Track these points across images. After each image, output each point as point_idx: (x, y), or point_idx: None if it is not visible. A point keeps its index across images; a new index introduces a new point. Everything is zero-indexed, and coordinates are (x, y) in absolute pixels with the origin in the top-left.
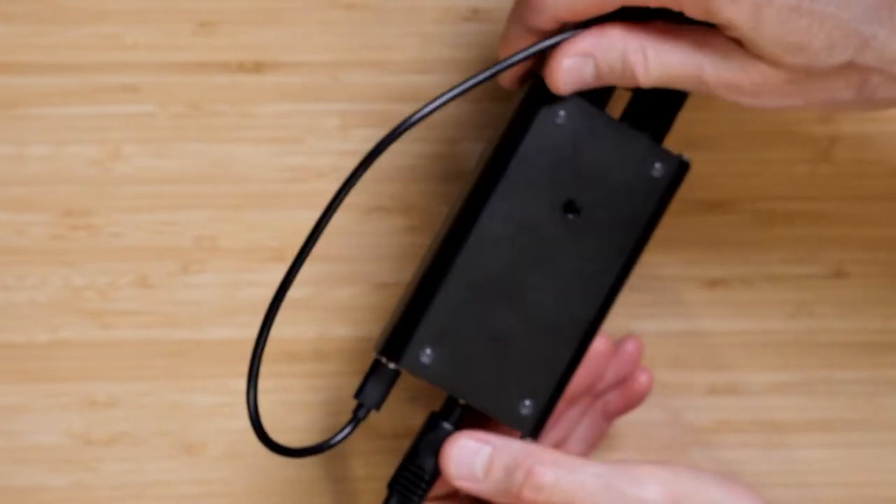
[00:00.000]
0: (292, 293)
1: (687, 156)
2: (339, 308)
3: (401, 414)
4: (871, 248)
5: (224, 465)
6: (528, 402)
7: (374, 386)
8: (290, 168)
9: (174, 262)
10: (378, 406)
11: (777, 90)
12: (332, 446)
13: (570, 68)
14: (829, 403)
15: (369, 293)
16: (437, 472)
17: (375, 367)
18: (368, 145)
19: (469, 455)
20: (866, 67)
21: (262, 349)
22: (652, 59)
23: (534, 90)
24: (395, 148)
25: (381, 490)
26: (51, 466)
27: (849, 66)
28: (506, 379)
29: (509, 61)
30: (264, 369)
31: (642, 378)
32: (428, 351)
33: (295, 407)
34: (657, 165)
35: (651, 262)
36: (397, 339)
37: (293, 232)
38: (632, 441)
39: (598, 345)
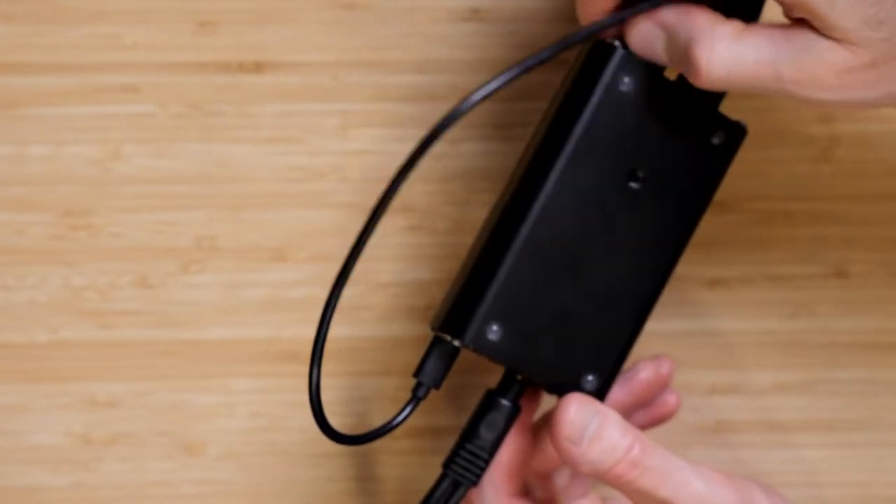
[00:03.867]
0: (292, 293)
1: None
2: (340, 308)
3: None
4: (871, 248)
5: (224, 465)
6: (590, 377)
7: (434, 364)
8: (290, 168)
9: (174, 262)
10: (438, 385)
11: (861, 79)
12: (392, 428)
13: (643, 31)
14: (830, 403)
15: (369, 293)
16: (495, 451)
17: (435, 345)
18: (369, 145)
19: (587, 417)
20: None
21: (325, 334)
22: (719, 56)
23: (593, 54)
24: (395, 148)
25: (382, 490)
26: (51, 466)
27: None
28: (569, 353)
29: (600, 25)
30: (264, 369)
31: (671, 400)
32: (494, 327)
33: (295, 407)
34: (719, 132)
35: None
36: (461, 314)
37: (293, 232)
38: None
39: (647, 375)
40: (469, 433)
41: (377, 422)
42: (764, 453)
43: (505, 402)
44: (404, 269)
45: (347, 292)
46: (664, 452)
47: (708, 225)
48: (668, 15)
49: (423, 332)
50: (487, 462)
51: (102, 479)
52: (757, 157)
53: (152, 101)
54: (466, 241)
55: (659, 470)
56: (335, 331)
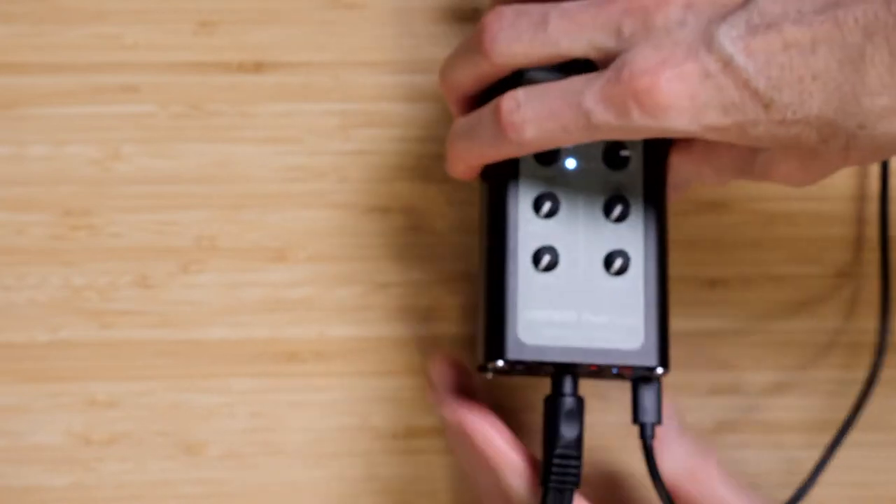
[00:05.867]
0: (292, 293)
1: None
2: (339, 308)
3: (401, 414)
4: (872, 248)
5: (224, 465)
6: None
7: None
8: (290, 168)
9: (174, 262)
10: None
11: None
12: None
13: None
14: (830, 403)
15: (369, 293)
16: (582, 447)
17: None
18: (368, 145)
19: None
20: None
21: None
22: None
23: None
24: (395, 148)
25: (382, 490)
26: (51, 466)
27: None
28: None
29: None
30: (264, 369)
31: None
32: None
33: (295, 407)
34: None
35: None
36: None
37: (293, 232)
38: (631, 441)
39: None
40: (553, 441)
41: (378, 422)
42: (763, 453)
43: (570, 398)
44: (404, 269)
45: (347, 292)
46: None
47: (708, 225)
48: None
49: (422, 332)
50: (580, 460)
51: (102, 479)
52: None
53: (152, 101)
54: (466, 241)
55: None
56: (336, 331)
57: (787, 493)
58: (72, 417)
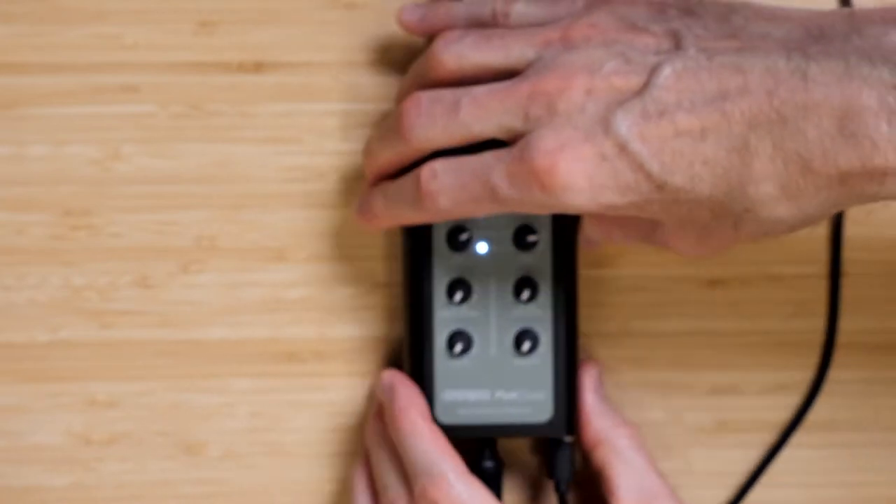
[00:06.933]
0: (292, 293)
1: None
2: (339, 308)
3: None
4: (871, 248)
5: (224, 465)
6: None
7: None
8: (290, 168)
9: (174, 262)
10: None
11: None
12: None
13: None
14: (829, 403)
15: (369, 293)
16: (500, 499)
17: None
18: None
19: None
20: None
21: None
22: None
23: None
24: None
25: None
26: (51, 466)
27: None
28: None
29: None
30: (264, 369)
31: None
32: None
33: (295, 407)
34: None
35: (651, 263)
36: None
37: (293, 232)
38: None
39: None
40: None
41: None
42: (763, 453)
43: (489, 464)
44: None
45: (347, 292)
46: None
47: None
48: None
49: None
50: None
51: (102, 479)
52: None
53: (152, 101)
54: None
55: None
56: (336, 331)
57: (788, 492)
58: (72, 417)
